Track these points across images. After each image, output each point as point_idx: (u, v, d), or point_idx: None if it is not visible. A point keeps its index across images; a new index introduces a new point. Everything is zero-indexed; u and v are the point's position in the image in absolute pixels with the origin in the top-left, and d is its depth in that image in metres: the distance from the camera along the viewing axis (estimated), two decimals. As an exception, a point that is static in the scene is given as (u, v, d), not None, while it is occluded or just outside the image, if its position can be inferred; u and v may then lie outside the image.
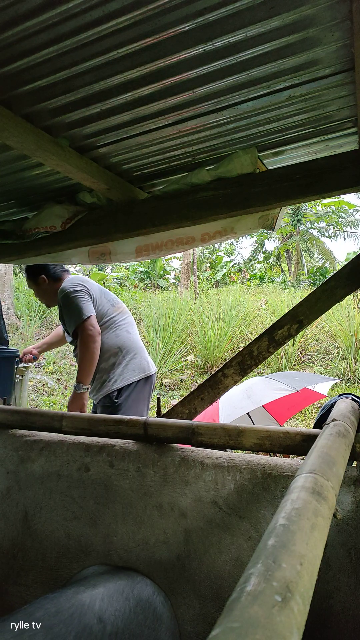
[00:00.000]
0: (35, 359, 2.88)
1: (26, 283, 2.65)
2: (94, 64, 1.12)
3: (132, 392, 2.42)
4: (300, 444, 1.16)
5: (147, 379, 2.52)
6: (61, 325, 2.82)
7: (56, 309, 2.68)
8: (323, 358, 7.25)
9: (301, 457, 1.23)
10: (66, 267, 2.65)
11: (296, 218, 19.44)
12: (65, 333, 2.59)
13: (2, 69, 1.14)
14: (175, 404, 1.82)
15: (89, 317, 2.32)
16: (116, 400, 2.40)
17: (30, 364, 3.00)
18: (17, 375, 3.33)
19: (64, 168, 1.49)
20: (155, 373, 2.61)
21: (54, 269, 2.51)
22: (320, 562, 0.49)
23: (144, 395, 2.50)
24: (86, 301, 2.37)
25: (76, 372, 2.37)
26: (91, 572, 1.00)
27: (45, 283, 2.50)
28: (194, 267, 13.41)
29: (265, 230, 1.79)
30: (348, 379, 6.58)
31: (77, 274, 2.82)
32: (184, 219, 1.67)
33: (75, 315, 2.33)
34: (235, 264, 23.88)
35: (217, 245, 22.78)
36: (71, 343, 2.58)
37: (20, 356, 2.90)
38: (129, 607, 0.83)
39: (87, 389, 2.34)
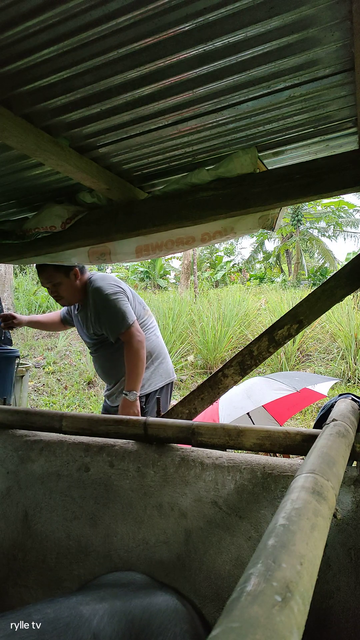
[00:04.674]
0: (12, 327, 2.53)
1: (41, 280, 2.29)
2: (94, 64, 1.12)
3: (160, 397, 2.35)
4: (300, 444, 1.16)
5: (170, 384, 2.49)
6: (57, 312, 2.65)
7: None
8: (323, 358, 7.24)
9: (301, 457, 1.23)
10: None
11: (296, 218, 19.43)
12: (84, 334, 2.43)
13: (2, 69, 1.14)
14: (175, 404, 1.82)
15: (134, 322, 2.22)
16: (145, 407, 2.33)
17: (6, 331, 2.65)
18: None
19: (64, 168, 1.49)
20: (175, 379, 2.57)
21: None
22: (320, 562, 0.49)
23: (167, 401, 2.48)
24: (128, 304, 2.25)
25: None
26: (112, 580, 0.95)
27: (77, 277, 2.26)
28: (194, 267, 13.41)
29: (265, 230, 1.80)
30: (348, 379, 6.57)
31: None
32: (184, 219, 1.67)
33: (119, 320, 2.20)
34: (235, 264, 23.87)
35: (217, 245, 22.77)
36: (92, 345, 2.44)
37: None
38: (130, 632, 0.76)
39: (138, 395, 2.24)
